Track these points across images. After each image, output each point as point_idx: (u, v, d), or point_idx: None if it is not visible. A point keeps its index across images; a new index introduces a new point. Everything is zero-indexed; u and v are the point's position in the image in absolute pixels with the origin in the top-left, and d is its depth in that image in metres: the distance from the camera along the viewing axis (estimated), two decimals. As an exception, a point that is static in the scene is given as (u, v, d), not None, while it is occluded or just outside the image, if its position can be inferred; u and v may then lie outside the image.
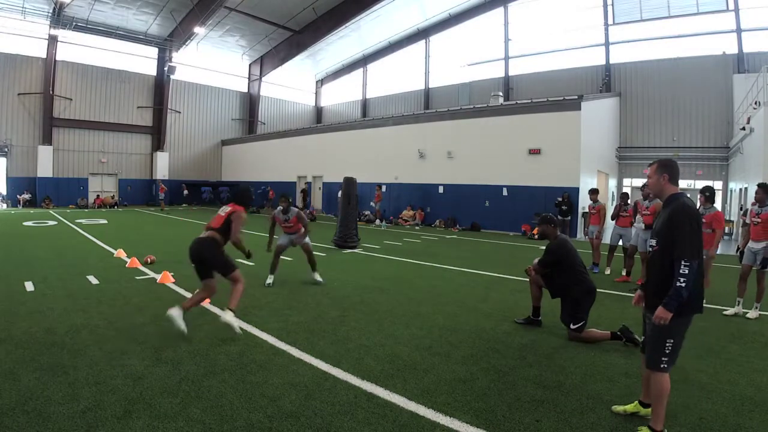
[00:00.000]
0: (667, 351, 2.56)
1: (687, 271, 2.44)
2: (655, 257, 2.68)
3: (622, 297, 6.25)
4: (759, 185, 5.50)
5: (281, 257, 6.76)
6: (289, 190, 24.98)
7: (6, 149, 22.38)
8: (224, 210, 4.38)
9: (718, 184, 18.83)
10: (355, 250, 10.27)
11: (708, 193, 6.03)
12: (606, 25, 21.43)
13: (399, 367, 3.55)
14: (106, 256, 8.59)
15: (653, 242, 2.70)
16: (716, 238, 5.83)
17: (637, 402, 2.89)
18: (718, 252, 9.90)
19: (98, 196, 25.04)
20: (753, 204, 5.64)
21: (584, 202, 14.55)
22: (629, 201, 8.22)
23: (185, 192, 27.08)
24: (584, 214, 14.41)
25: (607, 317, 5.11)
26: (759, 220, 5.37)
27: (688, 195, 2.72)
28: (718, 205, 19.84)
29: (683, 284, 2.44)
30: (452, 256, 9.73)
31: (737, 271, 5.69)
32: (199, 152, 29.70)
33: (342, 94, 34.40)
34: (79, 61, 24.18)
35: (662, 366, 2.58)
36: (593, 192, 9.11)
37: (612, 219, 8.33)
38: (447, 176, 17.61)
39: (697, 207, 6.24)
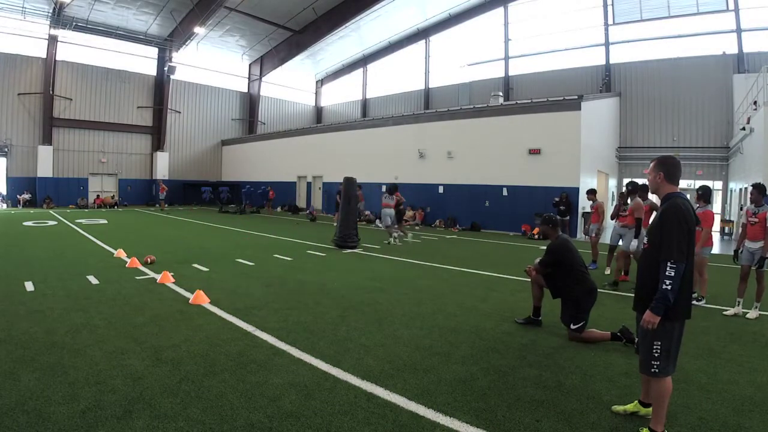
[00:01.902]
0: (656, 354, 2.49)
1: (673, 274, 2.38)
2: (645, 256, 2.63)
3: (622, 297, 6.25)
4: (753, 186, 5.51)
5: None
6: (289, 190, 25.01)
7: (6, 149, 22.39)
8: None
9: (718, 184, 18.84)
10: (355, 250, 10.27)
11: (701, 192, 6.05)
12: (606, 25, 21.45)
13: (399, 367, 3.54)
14: (106, 256, 8.59)
15: (645, 241, 2.65)
16: (702, 237, 5.83)
17: (636, 401, 2.88)
18: (720, 252, 9.98)
19: (98, 196, 25.04)
20: (749, 204, 5.65)
21: (584, 202, 14.55)
22: (629, 201, 8.23)
23: (161, 193, 25.59)
24: (584, 214, 14.42)
25: (607, 317, 5.11)
26: (756, 220, 5.38)
27: (687, 195, 2.66)
28: (718, 205, 19.88)
29: (669, 287, 2.37)
30: (452, 256, 9.73)
31: (737, 271, 5.69)
32: (199, 152, 29.71)
33: (342, 94, 34.41)
34: (79, 61, 24.20)
35: (653, 370, 2.51)
36: (591, 192, 9.16)
37: (612, 218, 8.36)
38: (447, 176, 17.61)
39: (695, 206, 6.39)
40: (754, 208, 5.46)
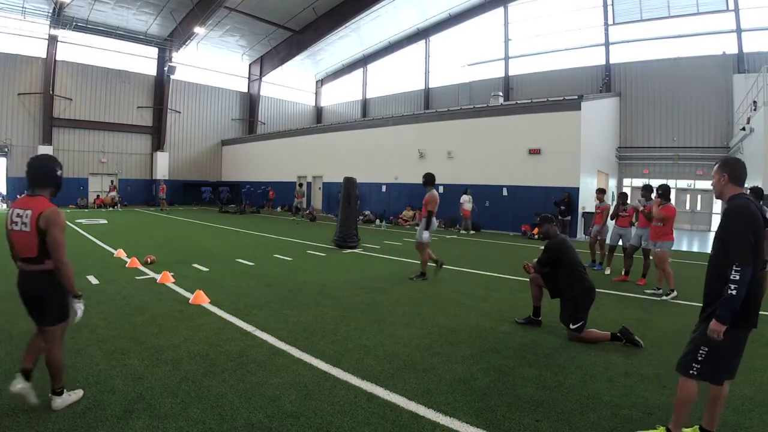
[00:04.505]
0: (700, 358, 2.38)
1: (738, 278, 2.22)
2: (710, 262, 2.49)
3: (622, 297, 6.25)
4: (750, 189, 5.58)
5: None
6: (289, 190, 25.00)
7: (6, 149, 22.39)
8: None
9: (718, 184, 18.81)
10: (355, 250, 10.27)
11: (661, 191, 6.57)
12: (606, 25, 21.45)
13: (399, 367, 3.54)
14: (105, 256, 8.58)
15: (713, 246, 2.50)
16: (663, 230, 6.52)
17: (697, 426, 2.63)
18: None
19: (98, 196, 25.03)
20: None
21: (584, 202, 14.56)
22: (628, 201, 8.25)
23: (112, 193, 24.21)
24: (584, 214, 14.42)
25: (607, 317, 5.11)
26: None
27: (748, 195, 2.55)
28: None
29: (734, 291, 2.22)
30: (452, 256, 9.73)
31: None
32: (199, 152, 29.70)
33: (342, 94, 34.41)
34: (79, 61, 24.19)
35: (691, 372, 2.40)
36: (600, 191, 9.14)
37: (611, 219, 8.37)
38: (447, 176, 17.58)
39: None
40: None
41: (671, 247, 6.52)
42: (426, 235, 7.13)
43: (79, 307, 2.77)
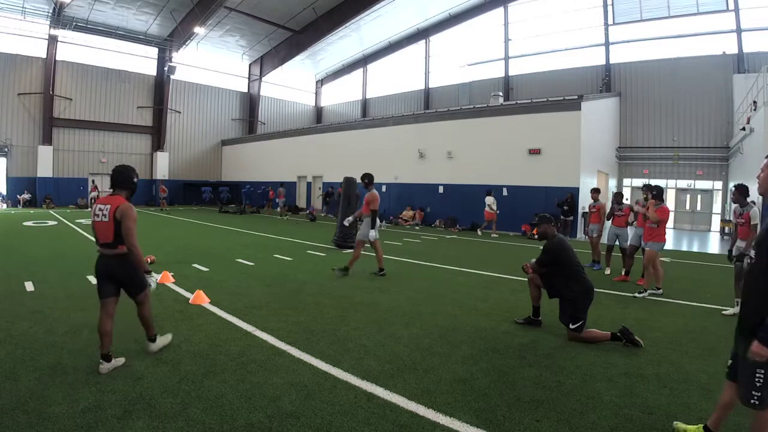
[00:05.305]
0: (758, 384, 2.14)
1: None
2: (753, 272, 2.17)
3: (622, 297, 6.25)
4: (735, 186, 5.60)
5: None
6: (289, 190, 24.99)
7: (6, 149, 22.39)
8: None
9: (718, 184, 18.85)
10: (355, 250, 10.25)
11: (655, 192, 6.51)
12: (606, 25, 21.46)
13: (399, 367, 3.54)
14: (106, 256, 8.56)
15: (752, 253, 2.21)
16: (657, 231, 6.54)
17: (701, 426, 2.56)
18: (720, 252, 9.92)
19: (98, 196, 25.01)
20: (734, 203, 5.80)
21: (584, 203, 14.56)
22: (624, 201, 8.29)
23: (93, 193, 22.27)
24: (584, 214, 14.42)
25: (608, 317, 5.11)
26: (743, 220, 5.46)
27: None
28: (718, 205, 19.83)
29: None
30: (452, 256, 9.73)
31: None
32: (199, 152, 29.71)
33: (342, 94, 34.42)
34: (79, 61, 24.22)
35: (753, 401, 2.18)
36: (595, 191, 9.17)
37: (607, 219, 8.41)
38: (447, 176, 17.61)
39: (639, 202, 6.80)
40: (739, 209, 5.52)
41: (662, 247, 6.54)
42: (373, 233, 7.32)
43: (153, 280, 3.59)
